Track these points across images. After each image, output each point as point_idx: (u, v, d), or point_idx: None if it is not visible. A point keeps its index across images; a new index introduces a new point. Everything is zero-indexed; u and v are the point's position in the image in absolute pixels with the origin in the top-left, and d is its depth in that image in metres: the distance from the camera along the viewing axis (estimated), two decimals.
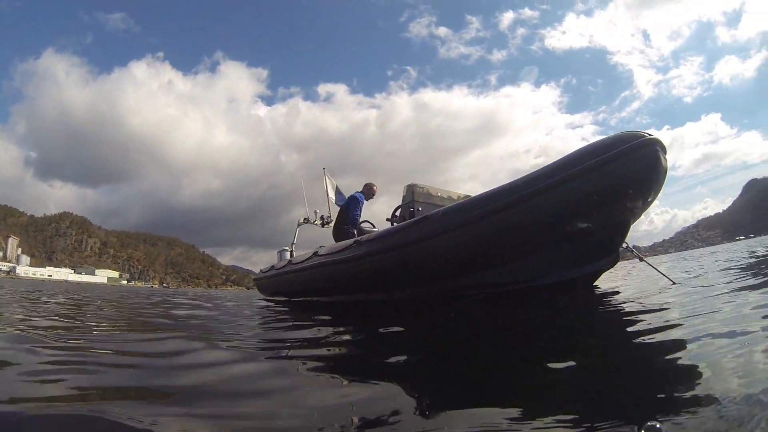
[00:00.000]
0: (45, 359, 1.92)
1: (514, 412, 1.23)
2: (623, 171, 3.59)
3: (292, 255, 9.96)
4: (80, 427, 1.13)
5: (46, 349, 2.13)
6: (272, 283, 9.36)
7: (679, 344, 1.81)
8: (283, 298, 8.81)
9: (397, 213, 5.92)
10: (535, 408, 1.25)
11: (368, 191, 7.72)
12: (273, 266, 9.46)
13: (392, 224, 5.83)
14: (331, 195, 10.14)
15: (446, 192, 5.90)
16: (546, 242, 4.03)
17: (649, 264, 4.68)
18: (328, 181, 10.13)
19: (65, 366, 1.85)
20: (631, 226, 4.20)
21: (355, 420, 1.23)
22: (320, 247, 7.28)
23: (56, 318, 4.25)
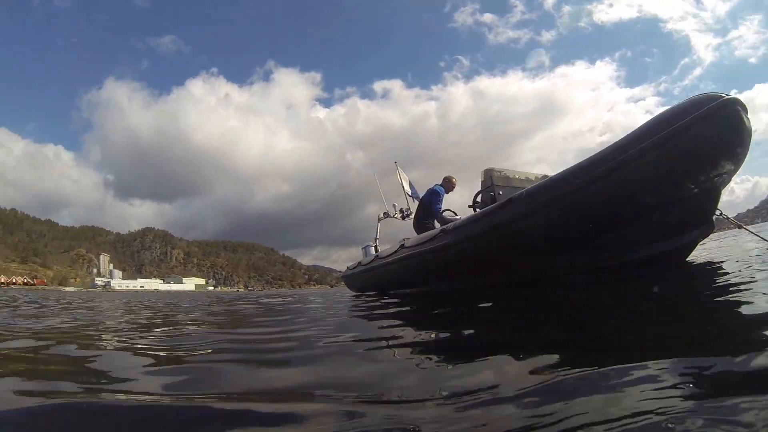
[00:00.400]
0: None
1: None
2: (706, 134, 3.46)
3: (376, 249, 10.01)
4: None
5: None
6: (361, 278, 9.54)
7: None
8: (372, 293, 8.96)
9: (478, 199, 5.96)
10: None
11: (448, 184, 7.73)
12: (360, 262, 9.65)
13: (474, 210, 5.88)
14: (407, 187, 10.24)
15: (523, 174, 5.88)
16: (634, 215, 3.98)
17: (751, 231, 4.44)
18: (401, 174, 10.31)
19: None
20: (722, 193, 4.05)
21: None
22: (404, 239, 7.38)
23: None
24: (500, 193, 5.50)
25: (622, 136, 3.93)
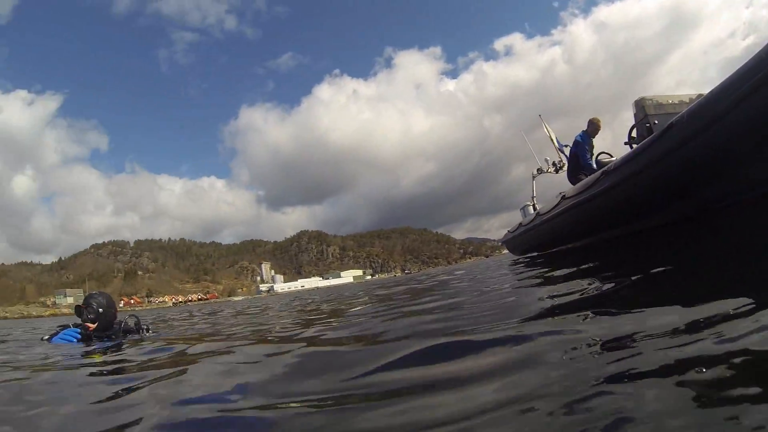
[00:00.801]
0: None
1: None
2: None
3: (534, 208, 9.78)
4: None
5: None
6: (523, 239, 9.34)
7: None
8: (535, 253, 8.89)
9: (633, 134, 5.70)
10: None
11: (592, 126, 7.49)
12: (520, 224, 9.45)
13: (631, 146, 5.58)
14: (554, 139, 10.04)
15: (677, 97, 5.47)
16: None
17: None
18: (547, 126, 10.14)
19: None
20: None
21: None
22: (562, 192, 7.08)
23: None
24: (656, 122, 5.23)
25: None
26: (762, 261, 2.33)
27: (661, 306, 1.89)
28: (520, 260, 8.61)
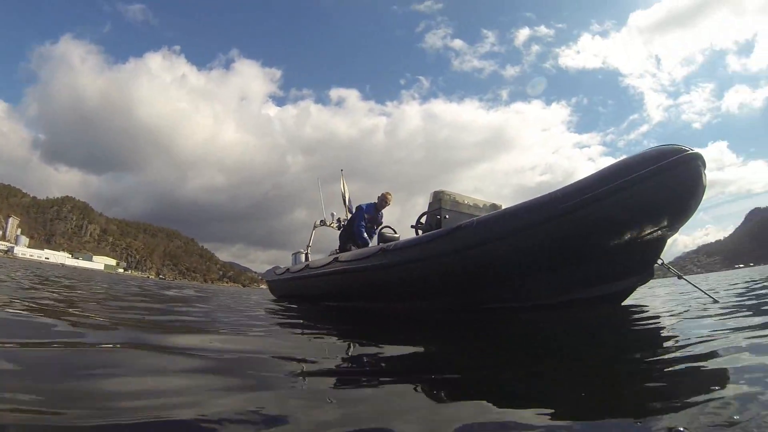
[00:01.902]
0: None
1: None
2: (665, 187, 3.47)
3: (307, 258, 9.84)
4: None
5: None
6: (287, 285, 9.25)
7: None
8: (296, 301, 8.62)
9: (422, 220, 5.71)
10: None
11: (381, 200, 7.69)
12: (288, 269, 9.38)
13: (416, 231, 5.67)
14: (347, 197, 9.98)
15: (473, 200, 5.73)
16: (580, 257, 3.93)
17: (689, 281, 4.50)
18: (344, 183, 10.01)
19: None
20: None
21: None
22: (336, 251, 7.36)
23: None
24: (446, 217, 5.33)
25: (587, 176, 3.89)
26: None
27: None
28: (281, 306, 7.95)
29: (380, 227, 7.49)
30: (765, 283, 6.14)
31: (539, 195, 4.07)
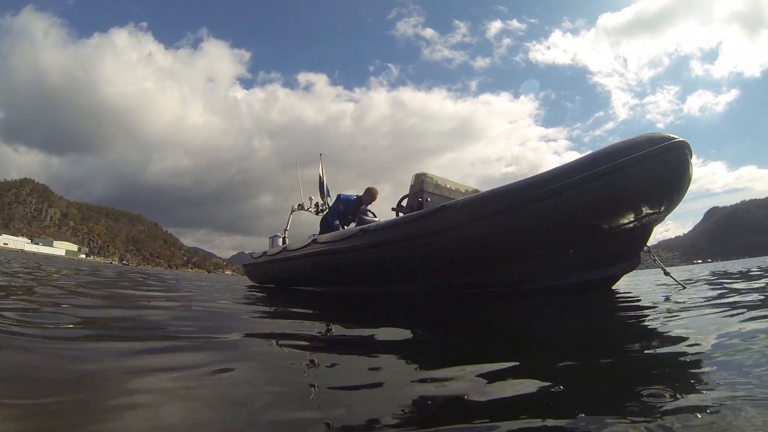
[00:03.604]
0: None
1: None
2: (652, 173, 3.48)
3: (284, 242, 9.65)
4: None
5: None
6: (265, 269, 9.10)
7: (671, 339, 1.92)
8: (273, 286, 8.58)
9: (404, 203, 5.65)
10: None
11: (367, 195, 7.29)
12: (265, 252, 9.24)
13: (397, 214, 5.59)
14: (325, 182, 9.89)
15: (455, 184, 5.71)
16: (567, 242, 3.91)
17: (665, 270, 4.51)
18: (323, 168, 9.89)
19: None
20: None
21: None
22: (315, 234, 7.15)
23: None
24: (428, 200, 5.29)
25: (576, 158, 3.87)
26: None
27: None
28: (258, 291, 7.70)
29: (362, 209, 7.26)
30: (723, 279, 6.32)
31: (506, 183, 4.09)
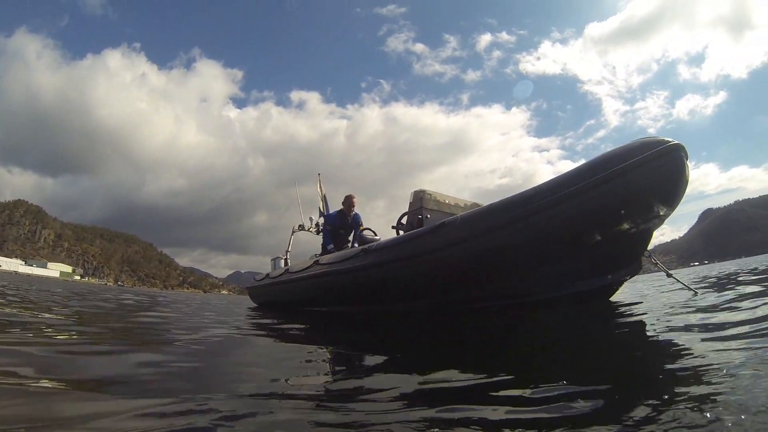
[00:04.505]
0: None
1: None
2: (649, 178, 3.49)
3: (286, 263, 9.71)
4: None
5: None
6: (268, 291, 9.13)
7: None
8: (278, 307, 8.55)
9: (403, 220, 5.68)
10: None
11: (346, 203, 7.59)
12: (267, 275, 9.28)
13: (398, 232, 5.63)
14: (323, 201, 9.90)
15: (454, 199, 5.75)
16: (567, 252, 3.93)
17: (668, 273, 4.47)
18: (321, 186, 9.90)
19: None
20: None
21: None
22: (317, 255, 7.27)
23: None
24: (428, 216, 5.33)
25: (570, 169, 3.92)
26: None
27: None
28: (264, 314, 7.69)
29: (362, 229, 7.38)
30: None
31: (512, 193, 4.10)
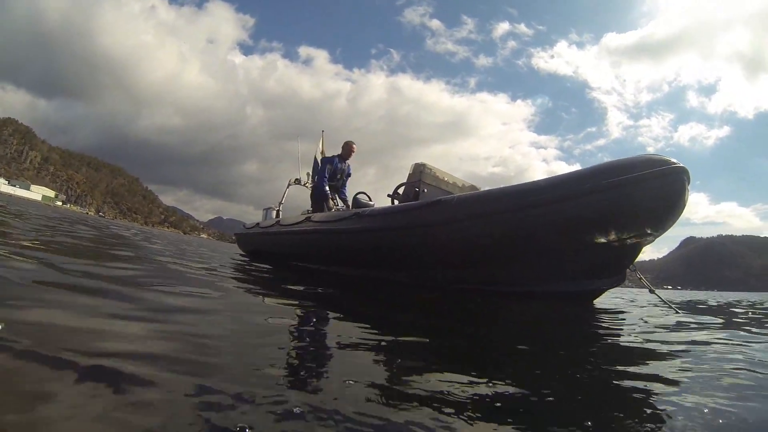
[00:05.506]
0: None
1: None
2: (648, 195, 3.52)
3: (278, 215, 9.71)
4: None
5: None
6: (256, 240, 9.20)
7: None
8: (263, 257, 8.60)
9: (400, 191, 5.68)
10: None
11: (345, 149, 7.54)
12: (257, 223, 9.33)
13: (392, 201, 5.65)
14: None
15: (453, 178, 5.76)
16: (556, 251, 3.97)
17: (650, 289, 4.33)
18: (324, 144, 9.87)
19: None
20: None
21: None
22: (308, 211, 7.32)
23: None
24: (425, 191, 5.34)
25: (574, 170, 3.95)
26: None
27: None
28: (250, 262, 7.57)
29: (355, 193, 7.40)
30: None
31: (503, 186, 4.14)
